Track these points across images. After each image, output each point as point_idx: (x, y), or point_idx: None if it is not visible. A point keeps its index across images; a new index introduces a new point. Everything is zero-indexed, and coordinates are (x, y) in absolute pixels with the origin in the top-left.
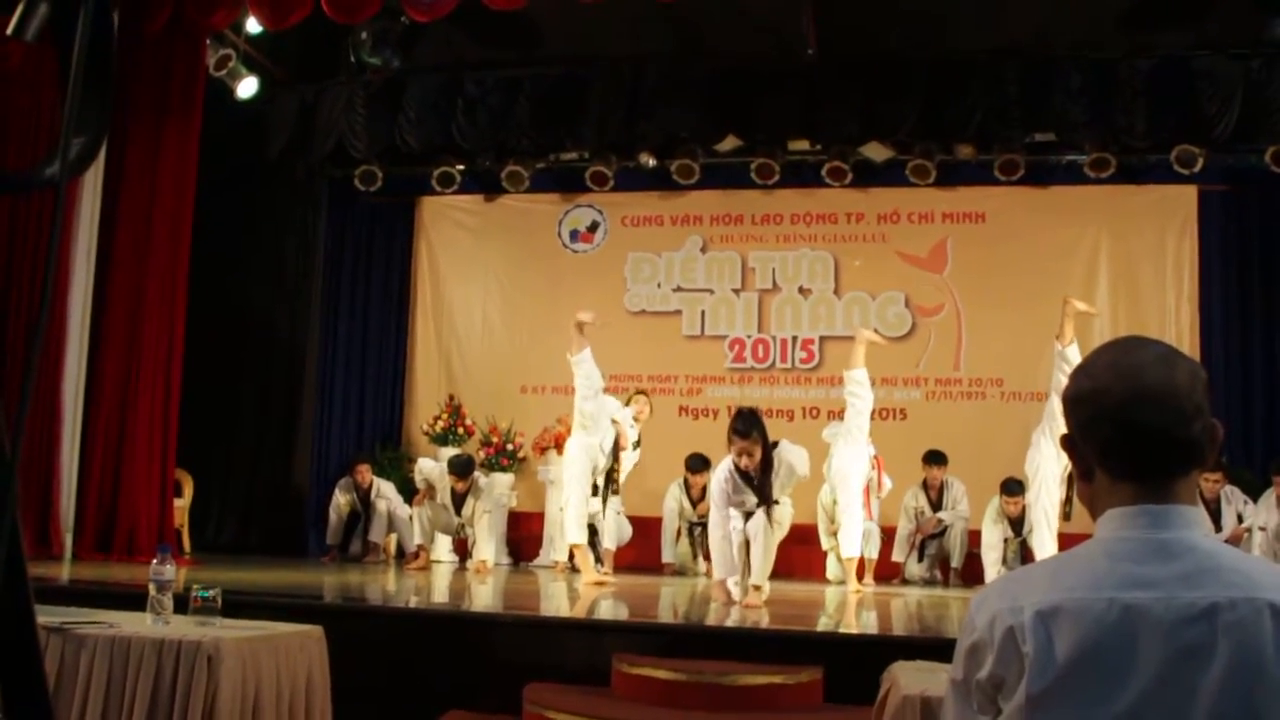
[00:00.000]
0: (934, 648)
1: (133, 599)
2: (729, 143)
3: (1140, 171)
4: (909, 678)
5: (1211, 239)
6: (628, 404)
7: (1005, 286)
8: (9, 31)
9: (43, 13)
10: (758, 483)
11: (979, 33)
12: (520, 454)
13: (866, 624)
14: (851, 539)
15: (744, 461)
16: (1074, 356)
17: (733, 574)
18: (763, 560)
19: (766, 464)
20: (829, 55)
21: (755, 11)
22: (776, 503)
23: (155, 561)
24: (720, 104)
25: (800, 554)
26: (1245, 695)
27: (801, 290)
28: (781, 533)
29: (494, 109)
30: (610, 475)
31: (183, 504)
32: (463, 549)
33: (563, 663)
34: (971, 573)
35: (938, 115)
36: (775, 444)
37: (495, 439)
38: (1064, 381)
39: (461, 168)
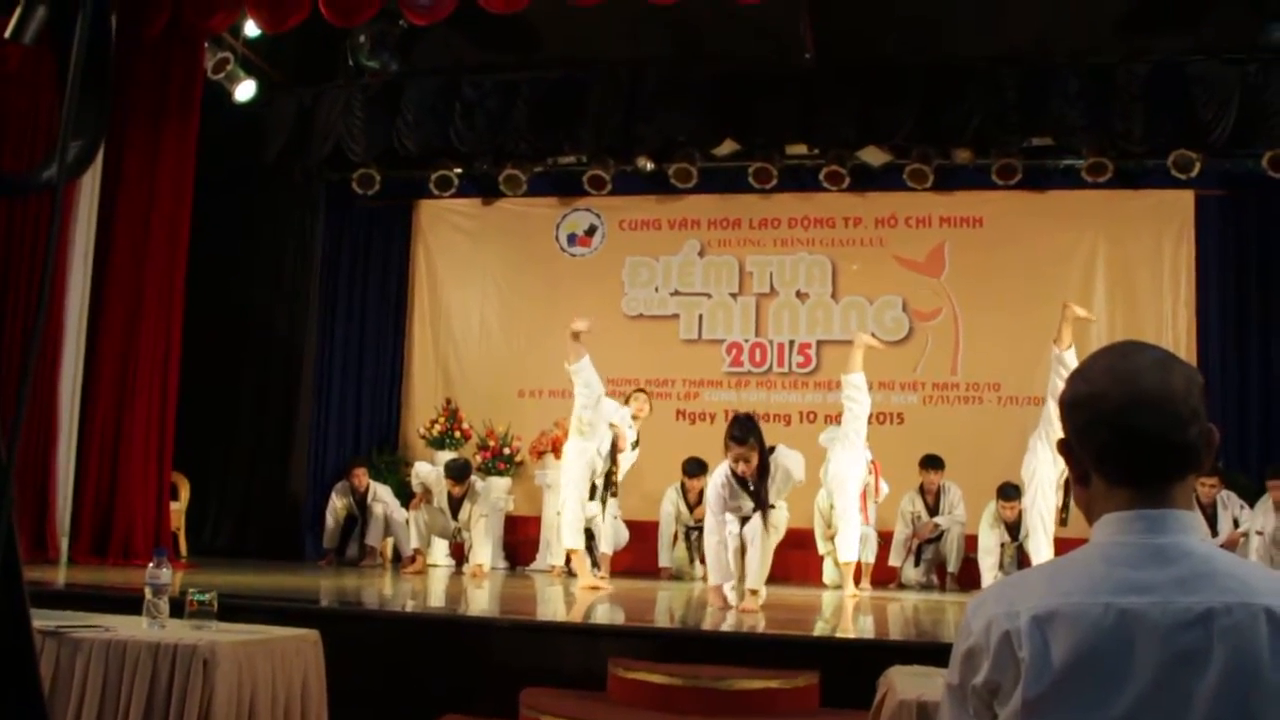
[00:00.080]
0: (930, 652)
1: (128, 603)
2: (727, 147)
3: (1137, 176)
4: (905, 682)
5: (1208, 244)
6: (627, 402)
7: (1002, 291)
8: (7, 34)
9: (41, 15)
10: (754, 488)
11: (976, 38)
12: (517, 458)
13: (863, 628)
14: (848, 543)
15: (741, 467)
16: (1071, 361)
17: (728, 579)
18: (759, 565)
19: (763, 469)
20: (827, 60)
21: (753, 16)
22: (773, 507)
23: (151, 565)
24: (718, 108)
25: (797, 558)
26: (1241, 700)
27: (799, 294)
28: (778, 537)
29: (492, 112)
30: (608, 478)
31: (179, 507)
32: (459, 553)
33: (559, 667)
34: (968, 577)
35: (935, 120)
36: (772, 449)
37: (492, 443)
38: (1060, 386)
39: (459, 171)
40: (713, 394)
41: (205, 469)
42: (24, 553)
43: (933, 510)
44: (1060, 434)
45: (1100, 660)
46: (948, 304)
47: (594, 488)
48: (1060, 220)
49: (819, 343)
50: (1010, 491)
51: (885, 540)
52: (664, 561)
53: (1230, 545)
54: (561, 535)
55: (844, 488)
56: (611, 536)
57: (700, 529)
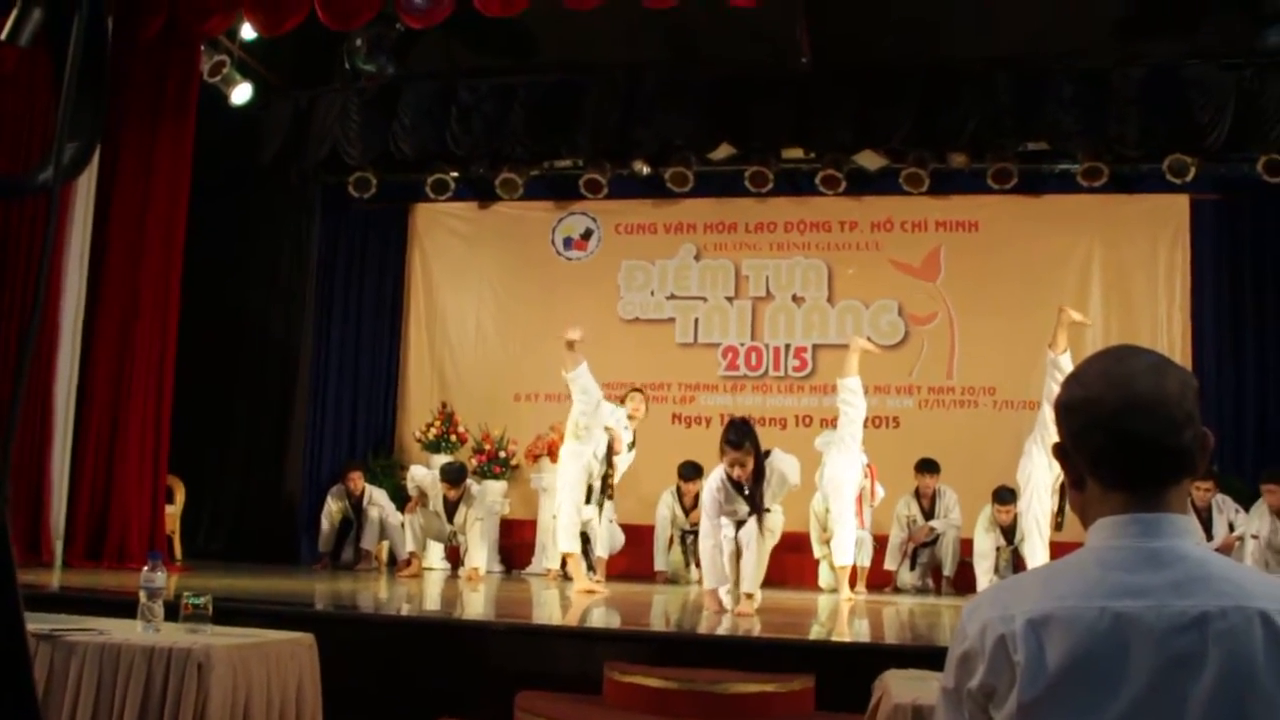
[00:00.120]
0: (926, 656)
1: (123, 606)
2: (723, 151)
3: (1133, 180)
4: (901, 686)
5: (1204, 248)
6: (623, 402)
7: (998, 295)
8: (3, 36)
9: (37, 17)
10: (749, 492)
11: (972, 42)
12: (513, 461)
13: (858, 632)
14: (844, 547)
15: (736, 472)
16: (1066, 365)
17: (723, 583)
18: (755, 568)
19: (758, 473)
20: (823, 64)
21: (749, 20)
22: (768, 511)
23: (146, 568)
24: (714, 112)
25: (793, 562)
26: (1236, 704)
27: (795, 298)
28: (773, 541)
29: (488, 116)
30: (604, 481)
31: (174, 510)
32: (455, 556)
33: (554, 670)
34: (963, 581)
35: (931, 124)
36: (767, 453)
37: (488, 446)
38: (1056, 390)
39: (455, 175)
40: (708, 398)
41: (200, 472)
42: (18, 555)
43: (928, 514)
44: (1055, 438)
45: (1095, 664)
46: (943, 308)
47: (590, 491)
48: (1056, 225)
49: (815, 346)
50: (1005, 495)
51: (881, 544)
52: (659, 565)
53: (1225, 549)
54: (557, 539)
55: (840, 492)
56: (607, 540)
57: (696, 533)
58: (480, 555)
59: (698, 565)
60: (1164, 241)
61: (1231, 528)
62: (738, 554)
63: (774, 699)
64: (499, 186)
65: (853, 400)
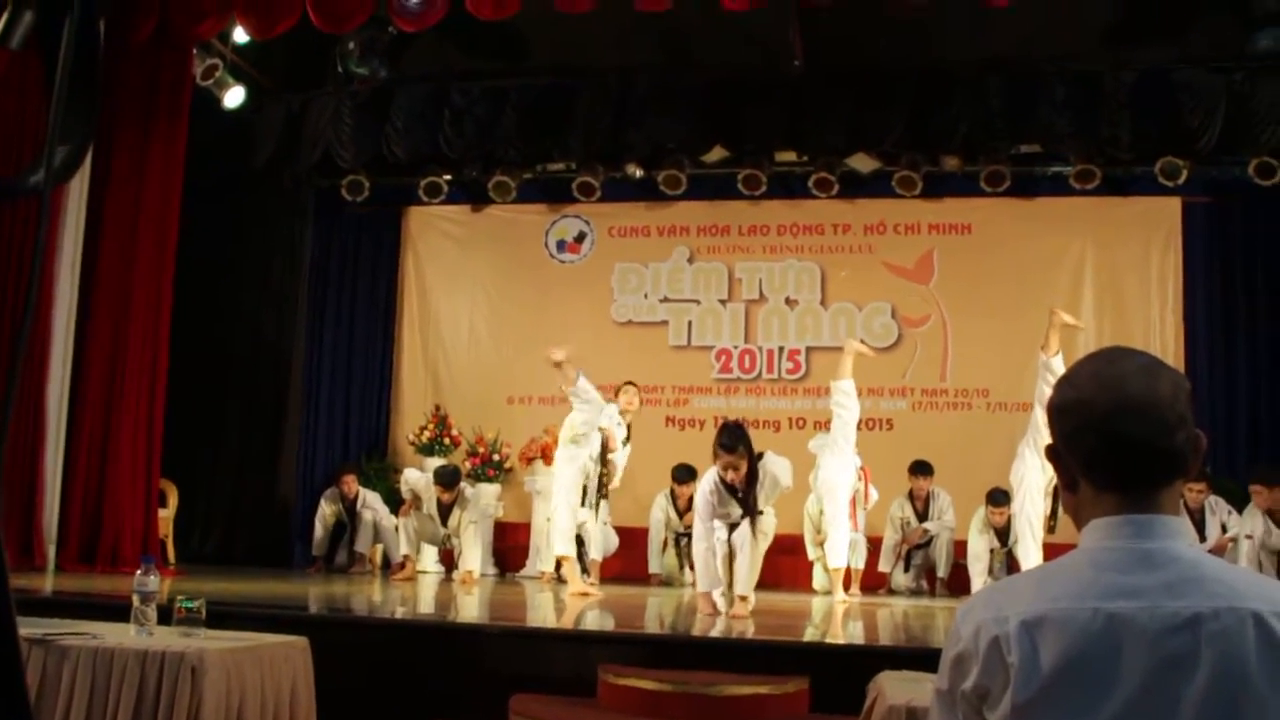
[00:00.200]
0: (920, 658)
1: (116, 610)
2: (716, 154)
3: (1125, 183)
4: (895, 688)
5: (1195, 250)
6: (616, 395)
7: (991, 297)
8: None
9: (28, 20)
10: (742, 495)
11: (965, 45)
12: (506, 464)
13: (853, 634)
14: (838, 549)
15: (730, 475)
16: (1058, 367)
17: (717, 586)
18: (749, 571)
19: (751, 476)
20: (815, 67)
21: (742, 23)
22: (761, 513)
23: (139, 572)
24: (707, 115)
25: (786, 564)
26: (1229, 705)
27: (788, 301)
28: (766, 543)
29: (481, 119)
30: (600, 481)
31: (167, 514)
32: (449, 559)
33: (549, 673)
34: (957, 583)
35: (924, 127)
36: (760, 455)
37: (481, 449)
38: (1048, 392)
39: (448, 178)
40: (702, 400)
41: (193, 475)
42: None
43: (922, 516)
44: (1048, 440)
45: (1089, 665)
46: (936, 310)
47: (584, 493)
48: (1048, 227)
49: (808, 349)
50: (999, 497)
51: (875, 546)
52: (654, 568)
53: (1218, 550)
54: (552, 542)
55: (834, 494)
56: (601, 543)
57: (690, 535)
58: (474, 558)
59: (692, 568)
60: (1156, 244)
61: (1224, 529)
62: (731, 557)
63: (768, 701)
64: (492, 189)
65: (846, 403)
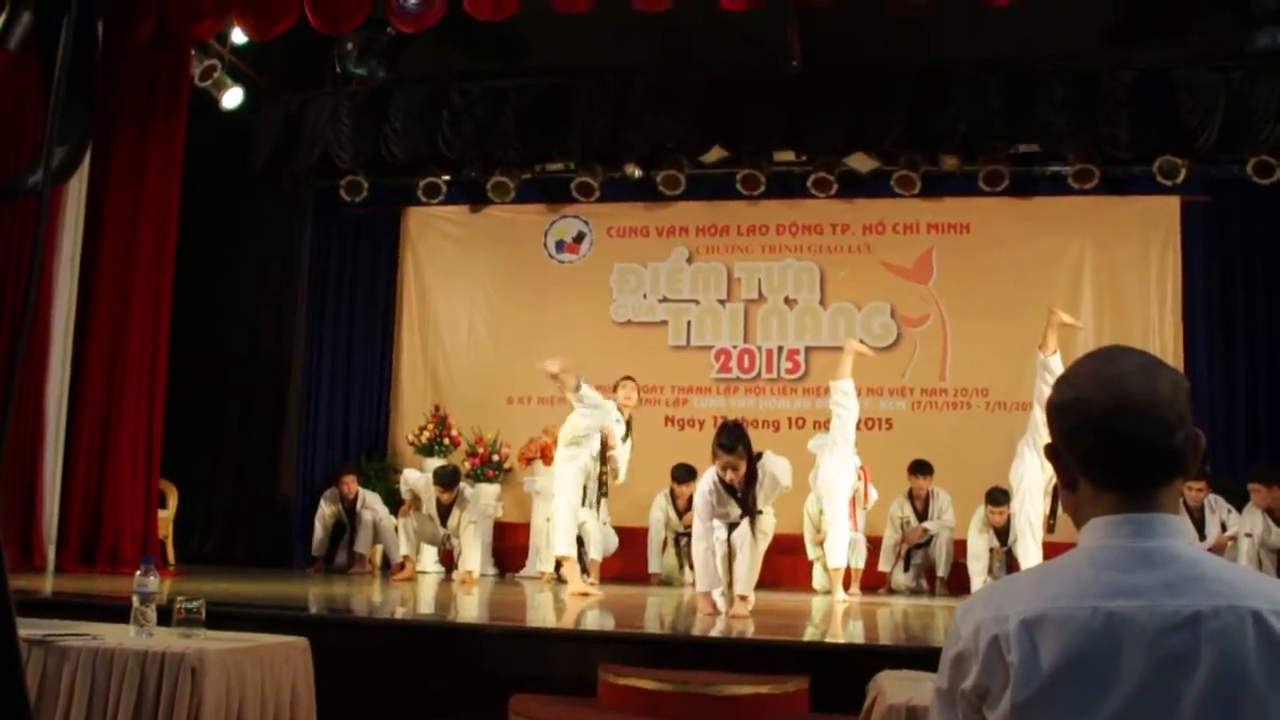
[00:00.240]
0: (920, 657)
1: (116, 611)
2: (715, 153)
3: (1124, 182)
4: (895, 687)
5: (1194, 249)
6: (615, 390)
7: (990, 297)
8: None
9: (26, 20)
10: (741, 495)
11: (963, 44)
12: (506, 465)
13: (852, 633)
14: (838, 549)
15: (729, 475)
16: (1056, 366)
17: (717, 585)
18: (748, 570)
19: (750, 476)
20: (814, 67)
21: (741, 23)
22: (760, 513)
23: (139, 573)
24: (706, 115)
25: (787, 564)
26: (1229, 703)
27: (787, 301)
28: (765, 542)
29: (480, 120)
30: (601, 479)
31: (167, 515)
32: (448, 560)
33: (549, 673)
34: (957, 582)
35: (922, 126)
36: (759, 455)
37: (481, 449)
38: (1047, 391)
39: (447, 178)
40: (701, 400)
41: (193, 476)
42: (10, 560)
43: (922, 515)
44: (1047, 439)
45: (1088, 664)
46: (935, 310)
47: (585, 492)
48: (1047, 226)
49: (807, 349)
50: (999, 496)
51: (874, 545)
52: (654, 567)
53: (1218, 549)
54: (554, 542)
55: (834, 494)
56: (601, 543)
57: (689, 535)
58: (474, 558)
59: (692, 567)
60: (1155, 243)
61: (1224, 528)
62: (730, 556)
63: (768, 700)
64: (491, 190)
65: (845, 402)
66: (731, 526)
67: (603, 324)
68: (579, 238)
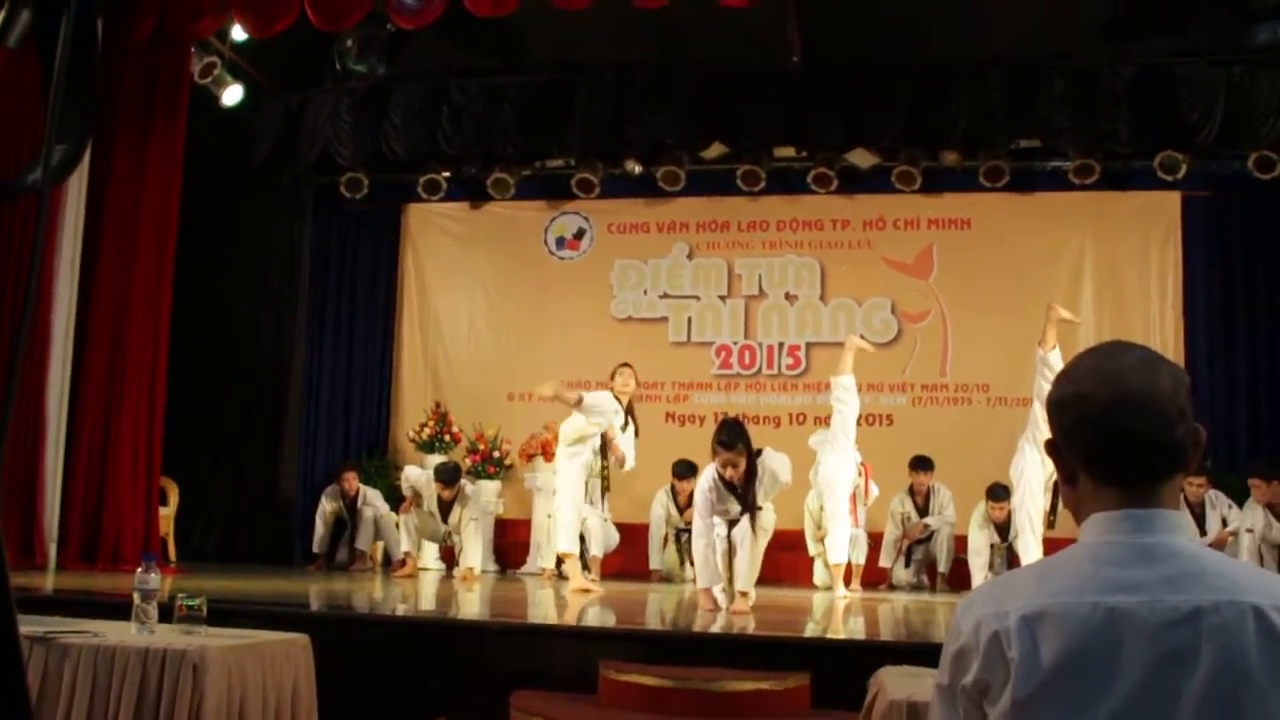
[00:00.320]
0: (921, 653)
1: (117, 608)
2: (715, 150)
3: (1124, 177)
4: (896, 683)
5: (1195, 244)
6: (612, 378)
7: (990, 292)
8: None
9: (25, 18)
10: (741, 491)
11: (963, 40)
12: (507, 461)
13: (853, 629)
14: (839, 545)
15: (729, 472)
16: (1056, 362)
17: (717, 582)
18: (749, 567)
19: (750, 473)
20: (814, 63)
21: (740, 19)
22: (760, 509)
23: (140, 570)
24: (706, 111)
25: (787, 560)
26: (1230, 699)
27: (788, 296)
28: (765, 538)
29: (480, 116)
30: (602, 474)
31: (168, 512)
32: (450, 556)
33: (550, 669)
34: (958, 578)
35: (923, 122)
36: (759, 452)
37: (482, 446)
38: (1046, 387)
39: (447, 175)
40: (702, 396)
41: (194, 473)
42: (11, 558)
43: (922, 511)
44: (1047, 435)
45: (1089, 659)
46: (936, 305)
47: (587, 488)
48: (1048, 222)
49: (808, 345)
50: (999, 492)
51: (875, 541)
52: (654, 564)
53: (1219, 545)
54: (556, 539)
55: (834, 490)
56: (602, 539)
57: (690, 531)
58: (475, 555)
59: (692, 564)
60: (1156, 238)
61: (1225, 523)
62: (731, 553)
63: (769, 696)
64: (491, 186)
65: (846, 398)
66: (732, 523)
67: (603, 320)
68: (579, 234)
